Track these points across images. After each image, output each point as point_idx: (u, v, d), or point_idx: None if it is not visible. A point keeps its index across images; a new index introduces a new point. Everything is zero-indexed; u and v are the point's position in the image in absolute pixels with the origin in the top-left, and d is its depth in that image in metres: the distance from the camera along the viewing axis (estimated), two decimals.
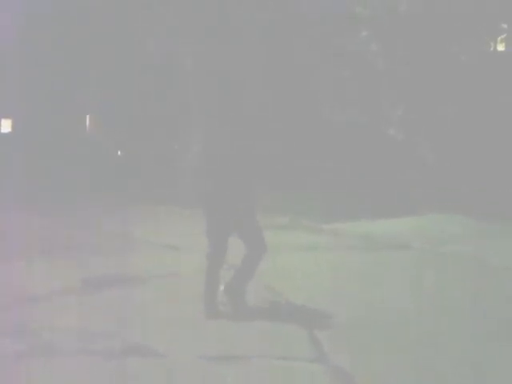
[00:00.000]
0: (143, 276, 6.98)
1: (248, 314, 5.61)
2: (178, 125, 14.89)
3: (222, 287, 5.80)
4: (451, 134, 13.49)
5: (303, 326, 5.34)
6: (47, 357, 4.65)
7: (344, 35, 14.32)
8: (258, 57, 14.14)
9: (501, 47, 14.34)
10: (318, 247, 8.83)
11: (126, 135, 16.07)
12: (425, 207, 11.75)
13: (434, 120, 13.55)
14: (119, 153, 16.43)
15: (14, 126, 17.62)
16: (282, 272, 7.16)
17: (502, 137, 12.85)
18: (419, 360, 4.67)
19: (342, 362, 4.57)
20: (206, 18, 14.22)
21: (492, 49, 14.11)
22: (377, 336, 5.16)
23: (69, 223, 10.65)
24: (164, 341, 4.96)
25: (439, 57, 13.28)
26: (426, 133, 13.79)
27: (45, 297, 6.11)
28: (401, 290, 6.55)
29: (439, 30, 13.33)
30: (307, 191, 13.16)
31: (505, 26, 14.21)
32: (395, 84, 13.60)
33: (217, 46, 14.23)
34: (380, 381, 4.32)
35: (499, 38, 14.11)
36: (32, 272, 7.11)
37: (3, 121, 17.70)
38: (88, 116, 17.02)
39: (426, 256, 8.40)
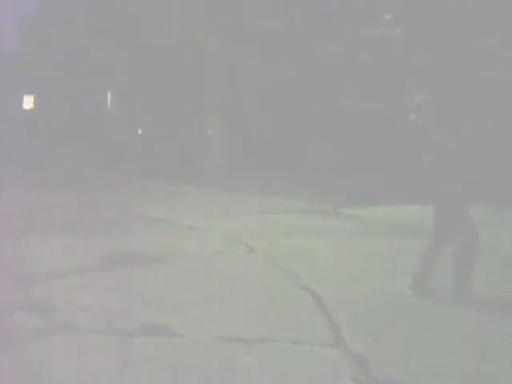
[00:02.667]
0: (161, 256, 7.04)
1: (268, 296, 5.67)
2: (198, 107, 14.90)
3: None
4: (471, 121, 13.39)
5: (322, 312, 5.38)
6: (65, 334, 4.72)
7: (365, 20, 14.22)
8: (276, 43, 14.11)
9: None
10: (336, 232, 8.84)
11: (146, 114, 16.11)
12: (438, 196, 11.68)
13: (455, 107, 13.46)
14: (139, 131, 16.48)
15: (36, 103, 17.73)
16: (300, 256, 7.21)
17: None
18: (435, 348, 4.69)
19: (360, 348, 4.61)
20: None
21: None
22: (394, 323, 5.18)
23: (86, 201, 10.73)
24: (181, 321, 5.01)
25: (460, 43, 13.17)
26: (447, 119, 13.73)
27: (63, 274, 6.19)
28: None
29: (462, 17, 13.22)
30: (326, 176, 13.16)
31: None
32: (416, 70, 13.51)
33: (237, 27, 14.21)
34: (396, 368, 4.35)
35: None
36: (51, 249, 7.20)
37: (26, 97, 17.82)
38: (109, 93, 17.07)
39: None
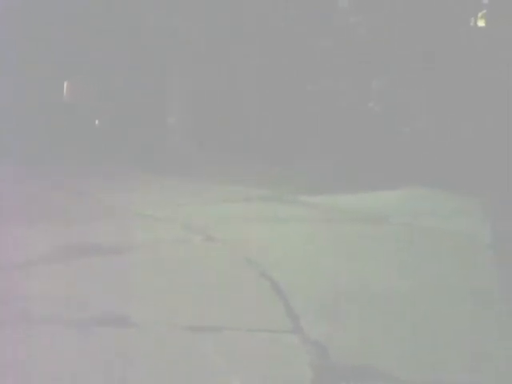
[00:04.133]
0: (118, 245, 6.94)
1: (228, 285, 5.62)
2: (159, 95, 14.73)
3: None
4: (431, 108, 13.49)
5: (280, 299, 5.35)
6: (23, 325, 4.61)
7: (325, 5, 14.21)
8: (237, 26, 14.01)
9: (481, 23, 14.32)
10: (296, 219, 8.83)
11: (104, 104, 15.89)
12: (405, 181, 11.76)
13: (416, 94, 13.54)
14: (97, 122, 16.26)
15: None
16: (259, 244, 7.16)
17: (483, 111, 12.86)
18: (395, 334, 4.70)
19: (318, 334, 4.58)
20: None
21: (472, 24, 14.11)
22: (353, 309, 5.18)
23: (45, 189, 10.55)
24: (138, 311, 4.94)
25: (420, 29, 13.24)
26: (406, 106, 13.79)
27: (22, 264, 6.05)
28: (377, 264, 6.56)
29: (418, 4, 13.31)
30: (287, 164, 13.13)
31: (485, 1, 14.20)
32: (376, 56, 13.54)
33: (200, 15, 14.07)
34: (356, 355, 4.34)
35: (480, 14, 14.11)
36: (10, 239, 7.05)
37: None
38: (66, 83, 16.79)
39: (403, 230, 8.42)
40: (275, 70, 14.19)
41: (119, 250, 6.76)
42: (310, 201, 10.32)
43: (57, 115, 15.35)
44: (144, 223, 8.22)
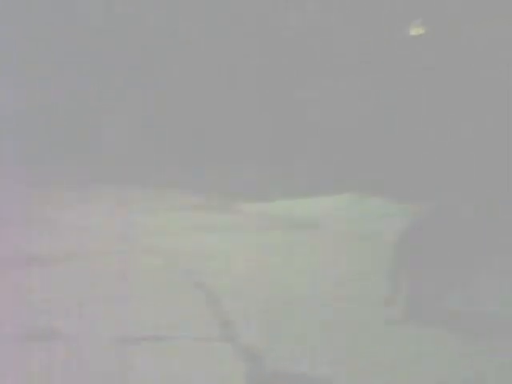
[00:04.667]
0: (50, 257, 6.87)
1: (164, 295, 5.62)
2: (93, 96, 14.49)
3: None
4: (369, 115, 13.62)
5: (216, 307, 5.39)
6: None
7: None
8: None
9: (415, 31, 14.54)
10: (232, 227, 8.88)
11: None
12: (341, 187, 11.87)
13: (352, 100, 13.68)
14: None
15: None
16: (194, 253, 7.18)
17: (418, 119, 13.06)
18: (329, 340, 4.78)
19: (253, 341, 4.63)
20: None
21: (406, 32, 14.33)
22: (286, 316, 5.25)
23: None
24: (72, 323, 4.92)
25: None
26: (343, 113, 13.93)
27: None
28: (307, 271, 6.65)
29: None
30: (222, 171, 13.13)
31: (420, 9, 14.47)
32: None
33: None
34: (290, 361, 4.39)
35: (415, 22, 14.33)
36: None
37: None
38: None
39: (337, 236, 8.53)
40: (206, 78, 14.17)
41: (53, 260, 6.69)
42: (245, 208, 10.38)
43: None
44: (77, 234, 8.14)
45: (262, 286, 6.02)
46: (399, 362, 4.41)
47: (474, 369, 4.31)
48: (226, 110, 14.08)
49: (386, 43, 10.49)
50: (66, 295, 5.60)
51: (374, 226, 8.91)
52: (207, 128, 14.07)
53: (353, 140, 13.18)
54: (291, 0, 13.27)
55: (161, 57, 14.09)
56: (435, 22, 9.15)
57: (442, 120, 11.72)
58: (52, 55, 14.22)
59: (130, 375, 4.11)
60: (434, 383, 4.15)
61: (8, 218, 8.94)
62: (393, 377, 4.22)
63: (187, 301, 5.59)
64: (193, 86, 14.07)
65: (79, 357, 4.36)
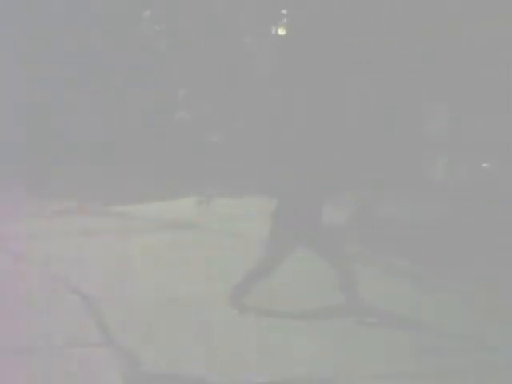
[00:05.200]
0: None
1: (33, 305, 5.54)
2: None
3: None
4: (240, 115, 13.82)
5: (92, 313, 5.39)
6: None
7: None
8: None
9: (281, 31, 14.92)
10: (106, 231, 8.78)
11: None
12: (213, 187, 11.99)
13: (220, 100, 13.84)
14: None
15: None
16: (70, 259, 7.08)
17: (289, 114, 13.29)
18: (204, 340, 4.89)
19: (129, 345, 4.68)
20: None
21: (274, 33, 14.65)
22: (162, 318, 5.34)
23: None
24: None
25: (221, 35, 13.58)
26: (212, 114, 14.09)
27: None
28: (187, 270, 6.74)
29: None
30: (95, 174, 12.93)
31: (284, 11, 14.82)
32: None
33: None
34: (166, 362, 4.47)
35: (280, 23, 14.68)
36: None
37: None
38: None
39: (213, 235, 8.62)
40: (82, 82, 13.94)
41: None
42: (119, 211, 10.29)
43: None
44: None
45: (136, 289, 6.06)
46: (272, 356, 4.60)
47: None
48: (96, 111, 13.91)
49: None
50: None
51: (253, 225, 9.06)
52: (73, 128, 13.80)
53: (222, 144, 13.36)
54: None
55: None
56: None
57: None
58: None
59: None
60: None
61: None
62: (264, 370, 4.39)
63: (61, 306, 5.55)
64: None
65: None
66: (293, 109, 11.92)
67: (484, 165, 9.15)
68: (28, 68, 13.46)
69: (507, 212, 8.00)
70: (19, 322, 5.18)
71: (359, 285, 5.50)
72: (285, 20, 13.77)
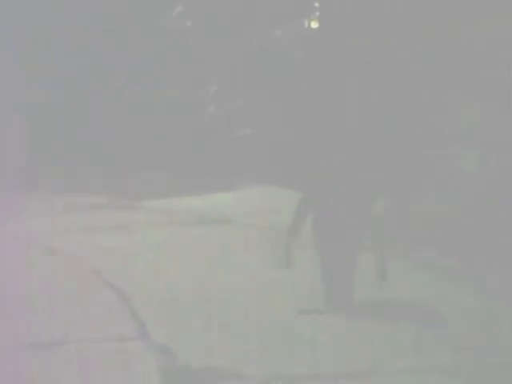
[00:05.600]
0: None
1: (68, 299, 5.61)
2: None
3: None
4: (269, 107, 13.80)
5: (126, 307, 5.43)
6: None
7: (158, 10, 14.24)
8: None
9: (314, 24, 14.85)
10: (137, 225, 8.85)
11: None
12: (245, 181, 11.99)
13: (250, 95, 13.85)
14: None
15: None
16: (102, 253, 7.15)
17: (318, 109, 13.26)
18: (241, 336, 4.90)
19: (165, 339, 4.72)
20: None
21: (306, 26, 14.59)
22: (198, 312, 5.34)
23: None
24: None
25: (252, 32, 13.56)
26: (242, 108, 14.09)
27: None
28: (223, 266, 6.75)
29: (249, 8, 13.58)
30: (125, 167, 13.00)
31: (316, 4, 14.74)
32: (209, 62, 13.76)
33: None
34: (203, 356, 4.50)
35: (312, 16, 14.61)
36: None
37: None
38: None
39: (245, 230, 8.64)
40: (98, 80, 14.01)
41: None
42: (152, 205, 10.35)
43: None
44: None
45: (173, 283, 6.09)
46: (312, 352, 4.60)
47: None
48: (128, 107, 13.98)
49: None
50: None
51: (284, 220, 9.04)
52: (103, 125, 13.90)
53: (261, 135, 13.36)
54: None
55: None
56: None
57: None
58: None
59: (46, 380, 4.12)
60: None
61: None
62: (309, 367, 4.40)
63: (96, 301, 5.59)
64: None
65: None
66: (326, 104, 11.91)
67: None
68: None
69: None
70: (53, 316, 5.22)
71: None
72: (317, 13, 13.74)
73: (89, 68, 13.75)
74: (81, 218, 9.45)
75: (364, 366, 4.40)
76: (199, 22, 14.04)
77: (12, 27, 13.51)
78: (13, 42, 13.46)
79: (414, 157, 9.58)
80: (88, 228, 8.61)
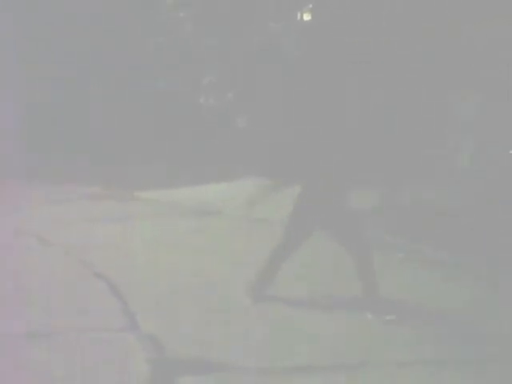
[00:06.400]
0: None
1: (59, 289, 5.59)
2: None
3: None
4: (265, 99, 13.78)
5: (116, 298, 5.42)
6: None
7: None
8: None
9: (306, 17, 14.84)
10: (132, 217, 8.85)
11: None
12: (237, 173, 12.01)
13: (245, 85, 13.82)
14: None
15: None
16: (95, 244, 7.13)
17: (314, 101, 13.23)
18: (230, 325, 4.90)
19: (154, 330, 4.70)
20: None
21: (299, 18, 14.58)
22: (187, 303, 5.34)
23: None
24: None
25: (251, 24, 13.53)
26: (237, 98, 14.06)
27: None
28: (209, 257, 6.74)
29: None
30: (118, 159, 13.00)
31: None
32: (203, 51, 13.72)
33: None
34: (192, 347, 4.49)
35: (305, 8, 14.60)
36: None
37: None
38: None
39: (237, 221, 8.65)
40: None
41: None
42: (145, 197, 10.35)
43: None
44: None
45: (163, 274, 6.08)
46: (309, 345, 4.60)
47: None
48: (126, 99, 13.97)
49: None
50: None
51: (271, 211, 9.07)
52: (97, 116, 13.88)
53: (252, 126, 13.34)
54: None
55: None
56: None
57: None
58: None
59: (28, 372, 4.10)
60: None
61: None
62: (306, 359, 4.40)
63: (86, 292, 5.57)
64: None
65: None
66: (317, 94, 11.86)
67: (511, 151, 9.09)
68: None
69: None
70: (44, 306, 5.20)
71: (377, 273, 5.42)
72: (310, 5, 13.70)
73: (89, 61, 13.77)
74: (76, 208, 9.45)
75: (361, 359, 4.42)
76: (197, 14, 14.01)
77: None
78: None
79: (413, 154, 9.59)
80: (82, 218, 8.60)
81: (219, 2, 13.57)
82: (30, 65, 13.51)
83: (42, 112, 13.68)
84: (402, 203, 8.73)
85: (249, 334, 4.75)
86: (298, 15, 13.82)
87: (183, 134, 13.75)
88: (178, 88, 14.12)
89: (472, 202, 8.28)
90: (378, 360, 4.43)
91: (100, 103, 13.85)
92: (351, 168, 5.60)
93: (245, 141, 13.32)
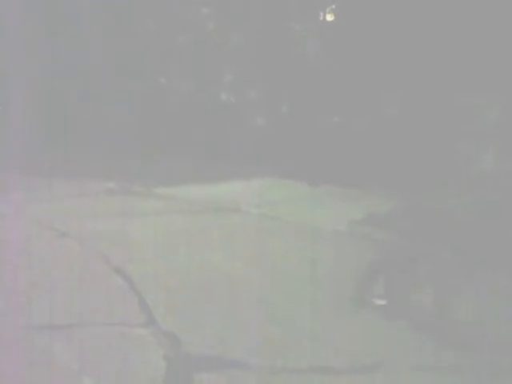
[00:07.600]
0: None
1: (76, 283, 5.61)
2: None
3: None
4: (282, 98, 13.79)
5: (133, 293, 5.41)
6: None
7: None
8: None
9: (329, 17, 14.81)
10: (148, 212, 8.84)
11: None
12: (254, 172, 12.01)
13: (266, 84, 13.82)
14: None
15: None
16: (112, 238, 7.14)
17: (332, 102, 13.26)
18: (247, 323, 4.88)
19: (171, 326, 4.70)
20: None
21: (322, 18, 14.55)
22: (206, 300, 5.32)
23: None
24: None
25: (270, 24, 13.53)
26: (257, 96, 14.06)
27: None
28: (230, 254, 6.73)
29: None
30: (136, 154, 13.04)
31: None
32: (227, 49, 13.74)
33: None
34: (209, 345, 4.48)
35: (327, 9, 14.58)
36: None
37: None
38: None
39: (254, 219, 8.64)
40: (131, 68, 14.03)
41: None
42: (162, 193, 10.35)
43: None
44: None
45: (181, 270, 6.07)
46: (317, 345, 4.58)
47: None
48: (143, 94, 14.00)
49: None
50: None
51: (290, 210, 9.08)
52: (118, 113, 13.93)
53: (270, 126, 13.34)
54: None
55: None
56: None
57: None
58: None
59: (44, 364, 4.10)
60: None
61: None
62: (313, 359, 4.38)
63: (104, 286, 5.58)
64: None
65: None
66: (341, 97, 11.86)
67: None
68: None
69: None
70: (61, 298, 5.22)
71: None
72: (333, 6, 13.66)
73: (104, 56, 13.81)
74: (95, 203, 9.46)
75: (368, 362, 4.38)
76: (216, 11, 14.02)
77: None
78: None
79: (430, 156, 9.54)
80: (102, 213, 8.61)
81: (241, 1, 13.59)
82: (47, 58, 13.58)
83: (62, 107, 13.75)
84: (418, 209, 8.68)
85: (265, 333, 4.73)
86: (321, 15, 13.80)
87: (203, 131, 13.75)
88: (199, 85, 14.13)
89: (494, 207, 8.22)
90: (390, 363, 4.40)
91: (120, 99, 13.91)
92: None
93: (264, 140, 13.32)
